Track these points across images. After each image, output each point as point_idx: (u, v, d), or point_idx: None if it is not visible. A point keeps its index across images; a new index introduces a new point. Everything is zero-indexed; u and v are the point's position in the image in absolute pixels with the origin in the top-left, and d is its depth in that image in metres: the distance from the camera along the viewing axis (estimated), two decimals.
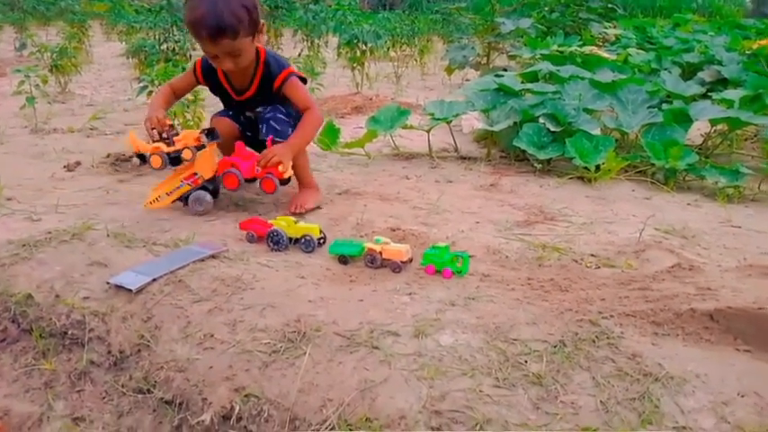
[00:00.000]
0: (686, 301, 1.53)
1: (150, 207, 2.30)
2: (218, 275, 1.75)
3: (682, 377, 1.31)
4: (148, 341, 1.59)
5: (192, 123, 3.23)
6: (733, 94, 3.66)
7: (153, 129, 2.25)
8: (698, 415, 1.23)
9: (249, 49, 2.26)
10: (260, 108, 2.48)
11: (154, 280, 1.72)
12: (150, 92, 3.33)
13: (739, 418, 1.22)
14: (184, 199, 2.31)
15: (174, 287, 1.71)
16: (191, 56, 5.07)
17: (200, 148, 2.29)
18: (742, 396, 1.27)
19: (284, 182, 2.37)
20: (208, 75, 2.46)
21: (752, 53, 5.49)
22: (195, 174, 2.27)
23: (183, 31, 4.96)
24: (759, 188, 2.79)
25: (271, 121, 2.42)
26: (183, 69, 3.46)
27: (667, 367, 1.34)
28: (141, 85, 3.41)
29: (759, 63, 4.89)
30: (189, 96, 3.29)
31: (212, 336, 1.52)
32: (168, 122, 2.29)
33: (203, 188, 2.30)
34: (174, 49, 4.83)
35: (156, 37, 4.97)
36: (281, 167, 2.22)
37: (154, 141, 2.27)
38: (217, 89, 2.51)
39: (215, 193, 2.38)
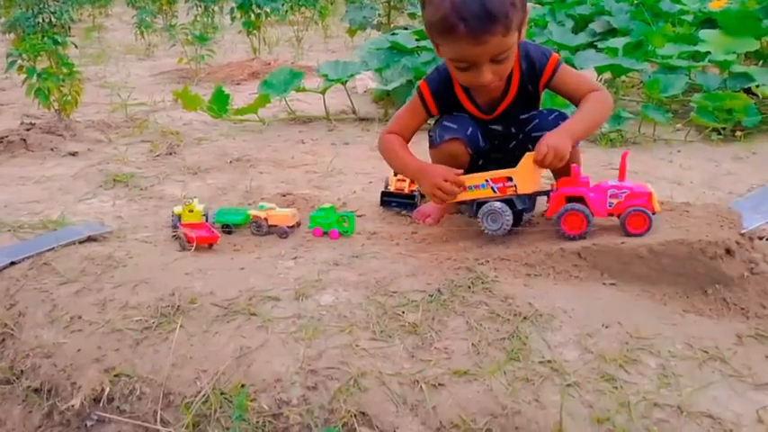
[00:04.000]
0: (557, 242, 1.58)
1: None
2: (88, 255, 1.66)
3: (550, 314, 1.36)
4: (12, 329, 1.49)
5: (69, 98, 3.03)
6: (617, 42, 3.79)
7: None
8: (563, 348, 1.28)
9: (515, 48, 1.59)
10: (523, 116, 1.79)
11: (12, 263, 1.61)
12: (21, 66, 3.08)
13: (602, 348, 1.27)
14: (474, 206, 1.69)
15: (38, 270, 1.61)
16: (69, 27, 4.74)
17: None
18: (606, 327, 1.33)
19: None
20: (442, 100, 1.79)
21: (638, 3, 5.70)
22: (509, 179, 1.63)
23: (58, 0, 4.63)
24: (639, 131, 2.92)
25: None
26: (57, 42, 3.22)
27: (537, 306, 1.38)
28: (10, 60, 3.15)
29: (646, 12, 5.09)
30: (64, 69, 3.08)
31: (80, 318, 1.44)
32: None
33: (508, 202, 1.65)
34: (50, 20, 4.49)
35: (31, 9, 4.61)
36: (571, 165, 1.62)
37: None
38: (453, 110, 1.82)
39: (518, 218, 1.71)
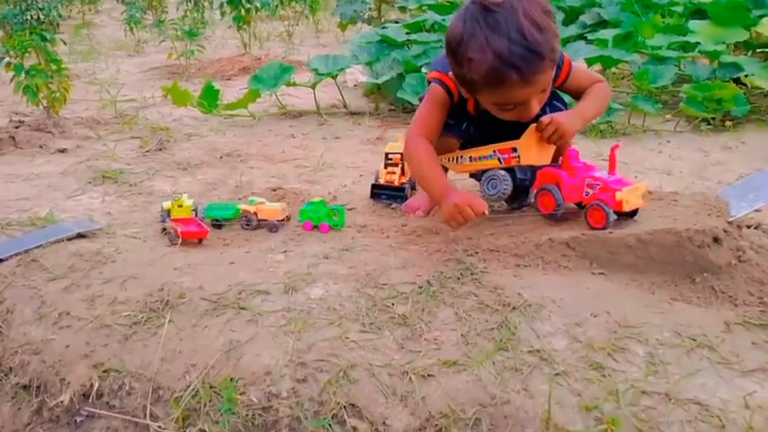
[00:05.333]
0: (546, 232, 1.58)
1: (446, 164, 1.79)
2: (76, 251, 1.65)
3: (539, 304, 1.36)
4: (0, 326, 1.48)
5: (58, 95, 3.01)
6: (607, 33, 3.80)
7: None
8: (552, 338, 1.28)
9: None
10: None
11: (0, 260, 1.61)
12: (9, 64, 3.05)
13: (590, 337, 1.28)
14: (481, 175, 1.73)
15: (26, 267, 1.60)
16: (58, 24, 4.71)
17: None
18: (595, 316, 1.33)
19: (630, 215, 1.59)
20: (461, 97, 1.70)
21: None
22: (513, 150, 1.64)
23: None
24: (629, 122, 2.92)
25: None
26: (45, 39, 3.20)
27: (526, 296, 1.38)
28: None
29: (636, 3, 5.09)
30: (52, 66, 3.06)
31: (68, 314, 1.44)
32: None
33: (510, 171, 1.68)
34: (38, 17, 4.46)
35: (19, 6, 4.57)
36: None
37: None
38: (454, 111, 1.76)
39: (524, 193, 1.78)
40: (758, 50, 3.59)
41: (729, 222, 1.51)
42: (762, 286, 1.42)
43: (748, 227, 1.63)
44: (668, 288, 1.45)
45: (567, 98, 1.83)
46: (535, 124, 1.59)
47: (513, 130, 1.69)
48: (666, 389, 1.15)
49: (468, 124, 1.78)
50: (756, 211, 1.63)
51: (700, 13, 4.15)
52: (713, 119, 2.88)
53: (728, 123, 2.87)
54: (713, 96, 2.84)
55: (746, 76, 3.12)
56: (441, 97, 1.71)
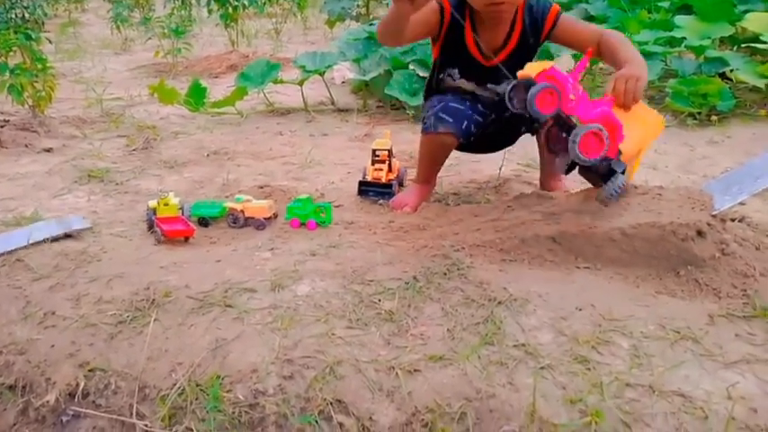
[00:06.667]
0: (531, 227, 1.59)
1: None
2: (62, 251, 1.64)
3: (524, 298, 1.37)
4: None
5: (43, 94, 2.99)
6: None
7: None
8: (537, 332, 1.29)
9: None
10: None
11: None
12: None
13: (576, 330, 1.29)
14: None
15: (11, 267, 1.59)
16: (43, 22, 4.66)
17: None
18: (580, 310, 1.34)
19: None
20: (454, 26, 1.78)
21: None
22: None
23: None
24: None
25: None
26: (29, 38, 3.17)
27: (511, 290, 1.39)
28: None
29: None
30: (38, 65, 3.03)
31: (54, 313, 1.43)
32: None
33: None
34: (23, 15, 4.42)
35: (3, 4, 4.53)
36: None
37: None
38: (455, 52, 1.82)
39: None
40: (743, 45, 3.62)
41: (713, 216, 1.53)
42: (745, 279, 1.43)
43: (732, 220, 1.64)
44: (653, 281, 1.46)
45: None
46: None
47: (511, 128, 1.70)
48: (650, 381, 1.15)
49: (468, 123, 1.82)
50: (740, 204, 1.64)
51: (686, 9, 4.18)
52: (699, 113, 2.90)
53: (714, 118, 2.89)
54: (699, 91, 2.86)
55: (732, 70, 3.14)
56: (432, 7, 1.75)
